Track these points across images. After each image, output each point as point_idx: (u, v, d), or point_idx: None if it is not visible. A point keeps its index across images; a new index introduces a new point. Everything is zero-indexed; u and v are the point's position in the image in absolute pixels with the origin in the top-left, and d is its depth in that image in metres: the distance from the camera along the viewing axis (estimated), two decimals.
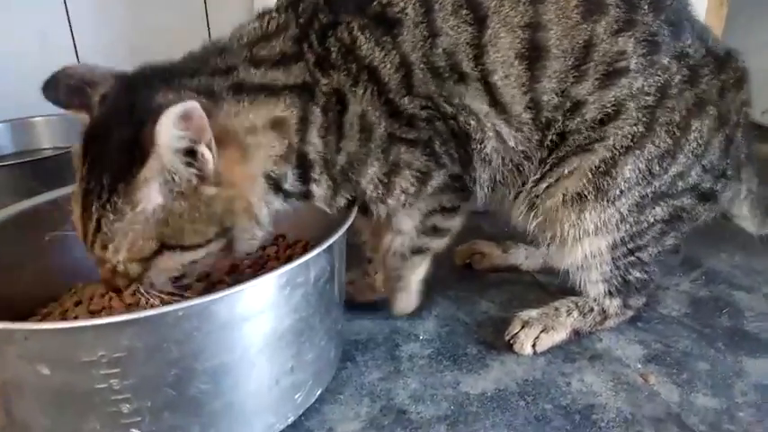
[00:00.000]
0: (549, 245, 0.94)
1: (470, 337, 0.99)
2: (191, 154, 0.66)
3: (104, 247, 0.69)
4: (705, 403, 0.84)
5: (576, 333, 0.98)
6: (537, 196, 0.91)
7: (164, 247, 0.70)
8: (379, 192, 0.85)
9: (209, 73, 0.75)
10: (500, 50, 0.82)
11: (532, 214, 0.92)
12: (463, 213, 0.95)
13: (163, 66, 0.76)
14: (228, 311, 0.65)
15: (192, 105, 0.63)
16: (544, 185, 0.90)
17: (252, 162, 0.74)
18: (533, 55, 0.82)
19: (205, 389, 0.67)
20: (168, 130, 0.63)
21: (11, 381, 0.67)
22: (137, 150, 0.65)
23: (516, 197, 0.95)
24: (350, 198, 0.86)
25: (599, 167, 0.86)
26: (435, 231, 0.94)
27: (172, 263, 0.71)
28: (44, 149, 1.62)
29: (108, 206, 0.67)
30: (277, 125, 0.76)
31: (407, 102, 0.81)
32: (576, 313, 0.97)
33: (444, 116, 0.83)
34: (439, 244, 0.97)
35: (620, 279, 0.95)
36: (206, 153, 0.66)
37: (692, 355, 0.94)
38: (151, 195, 0.67)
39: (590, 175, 0.87)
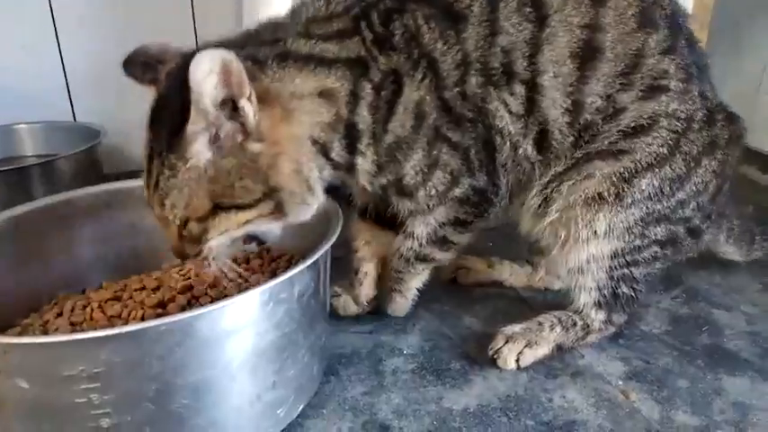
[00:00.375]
0: (561, 245, 0.94)
1: (454, 352, 1.00)
2: (234, 110, 0.70)
3: (162, 204, 0.75)
4: (685, 420, 0.85)
5: (559, 348, 0.98)
6: (556, 191, 0.92)
7: (217, 207, 0.75)
8: (418, 180, 0.87)
9: (257, 44, 0.79)
10: (555, 49, 0.85)
11: (549, 210, 0.93)
12: (474, 231, 0.98)
13: (218, 40, 0.79)
14: (210, 327, 0.65)
15: (227, 54, 0.65)
16: (569, 183, 0.91)
17: (297, 125, 0.77)
18: (587, 55, 0.85)
19: (186, 404, 0.67)
20: (201, 74, 0.65)
21: None
22: (186, 111, 0.69)
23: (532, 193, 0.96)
24: (390, 180, 0.87)
25: (622, 173, 0.89)
26: (443, 243, 0.97)
27: (228, 223, 0.76)
28: (27, 156, 1.62)
29: (165, 163, 0.73)
30: (326, 95, 0.79)
31: (459, 103, 0.84)
32: (558, 328, 0.98)
33: (484, 124, 0.86)
34: (444, 256, 1.00)
35: (610, 290, 0.96)
36: (246, 106, 0.70)
37: (673, 373, 0.95)
38: (200, 150, 0.72)
39: (613, 179, 0.89)
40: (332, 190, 0.98)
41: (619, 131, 0.89)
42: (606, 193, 0.89)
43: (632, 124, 0.88)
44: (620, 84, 0.87)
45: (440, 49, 0.82)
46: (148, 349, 0.63)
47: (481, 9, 0.83)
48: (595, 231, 0.91)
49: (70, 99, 1.71)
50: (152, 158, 0.74)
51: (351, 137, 0.82)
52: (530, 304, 1.14)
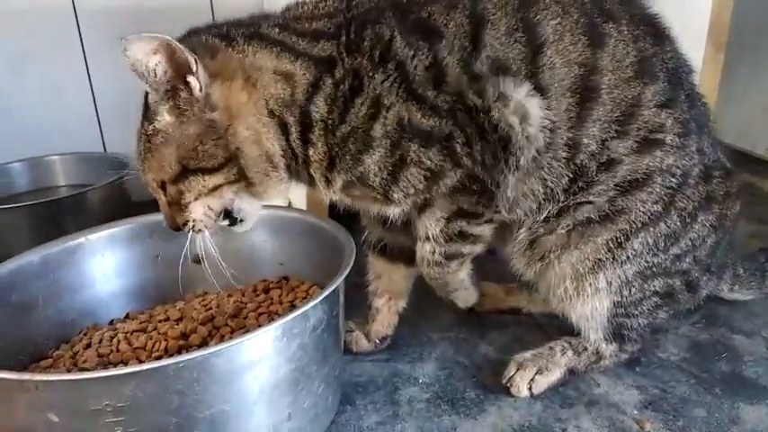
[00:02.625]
0: (567, 301, 0.96)
1: (469, 381, 1.01)
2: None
3: (144, 170, 0.86)
4: None
5: (572, 372, 0.99)
6: (555, 256, 0.93)
7: (186, 170, 0.82)
8: (384, 177, 0.86)
9: (236, 25, 0.87)
10: (555, 78, 0.85)
11: (567, 280, 0.94)
12: (492, 222, 0.94)
13: (215, 23, 0.90)
14: (226, 363, 0.68)
15: (166, 38, 0.74)
16: (575, 256, 0.92)
17: (255, 93, 0.83)
18: (585, 94, 0.86)
19: None
20: (135, 55, 0.75)
21: (22, 427, 0.70)
22: None
23: (525, 246, 0.96)
24: (345, 180, 0.87)
25: (618, 238, 0.91)
26: (464, 237, 0.93)
27: (198, 186, 0.83)
28: (59, 186, 1.68)
29: (141, 132, 0.84)
30: (284, 75, 0.84)
31: (431, 95, 0.83)
32: (570, 353, 0.99)
33: (471, 110, 0.84)
34: (473, 249, 0.96)
35: (615, 332, 0.98)
36: (192, 81, 0.78)
37: (690, 401, 0.95)
38: (164, 116, 0.81)
39: (610, 245, 0.91)
40: (345, 222, 1.01)
41: (616, 186, 0.89)
42: (604, 258, 0.92)
43: (628, 178, 0.89)
44: (615, 131, 0.87)
45: (408, 55, 0.82)
46: (168, 385, 0.66)
47: (460, 27, 0.84)
48: (598, 288, 0.93)
49: (101, 130, 1.78)
50: (138, 135, 0.85)
51: (303, 125, 0.85)
52: (546, 331, 1.14)
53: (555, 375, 0.98)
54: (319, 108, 0.84)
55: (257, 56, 0.83)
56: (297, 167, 0.89)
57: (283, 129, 0.85)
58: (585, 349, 0.99)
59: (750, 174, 1.90)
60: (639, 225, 0.91)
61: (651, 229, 0.91)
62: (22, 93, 1.67)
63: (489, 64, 0.83)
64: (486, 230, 0.95)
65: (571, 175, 0.90)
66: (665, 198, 0.91)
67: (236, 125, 0.82)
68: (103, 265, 1.04)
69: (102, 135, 1.78)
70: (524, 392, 0.96)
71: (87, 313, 1.02)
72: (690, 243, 0.95)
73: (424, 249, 0.95)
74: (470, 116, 0.84)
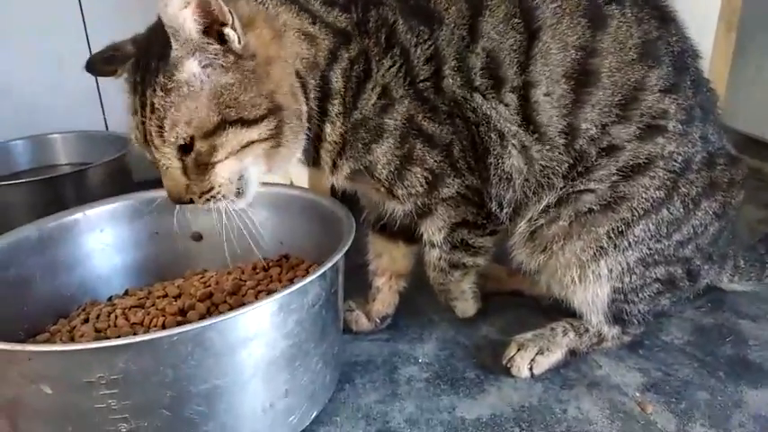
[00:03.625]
0: (568, 288, 0.95)
1: (469, 361, 1.00)
2: (220, 35, 0.74)
3: (161, 128, 0.75)
4: None
5: (573, 353, 0.98)
6: (559, 247, 0.92)
7: (225, 121, 0.75)
8: (391, 170, 0.87)
9: None
10: (549, 65, 0.84)
11: (573, 269, 0.92)
12: (495, 234, 0.97)
13: None
14: (221, 337, 0.67)
15: None
16: (578, 246, 0.91)
17: (284, 49, 0.80)
18: (582, 78, 0.84)
19: (199, 411, 0.69)
20: (173, 9, 0.70)
21: (15, 399, 0.70)
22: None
23: (526, 238, 0.95)
24: (352, 168, 0.87)
25: (619, 227, 0.90)
26: (466, 247, 0.96)
27: (235, 140, 0.76)
28: (61, 165, 1.67)
29: (155, 88, 0.74)
30: (307, 36, 0.83)
31: (433, 96, 0.84)
32: (572, 333, 0.98)
33: (467, 120, 0.85)
34: (475, 261, 0.99)
35: (617, 316, 0.97)
36: (231, 33, 0.74)
37: (693, 384, 0.94)
38: (191, 68, 0.74)
39: (612, 234, 0.90)
40: (345, 201, 1.00)
41: (618, 170, 0.88)
42: (606, 245, 0.90)
43: (630, 163, 0.87)
44: (617, 115, 0.85)
45: (410, 41, 0.83)
46: (162, 358, 0.65)
47: (459, 13, 0.83)
48: (599, 274, 0.92)
49: (102, 108, 1.76)
50: (139, 94, 0.76)
51: (323, 90, 0.84)
52: (549, 313, 1.12)
53: (556, 356, 0.97)
54: (338, 79, 0.83)
55: (280, 11, 0.82)
56: (309, 138, 0.86)
57: (305, 89, 0.83)
58: (587, 331, 0.98)
59: (760, 160, 1.87)
60: (642, 212, 0.89)
61: (653, 215, 0.89)
62: (24, 71, 1.66)
63: (484, 60, 0.83)
64: (488, 243, 0.98)
65: (571, 161, 0.88)
66: (667, 183, 0.89)
67: (278, 74, 0.79)
68: (102, 240, 1.04)
69: (104, 113, 1.77)
70: (525, 373, 0.95)
71: (86, 289, 1.01)
72: (692, 230, 0.93)
73: (431, 254, 0.98)
74: (466, 124, 0.85)
